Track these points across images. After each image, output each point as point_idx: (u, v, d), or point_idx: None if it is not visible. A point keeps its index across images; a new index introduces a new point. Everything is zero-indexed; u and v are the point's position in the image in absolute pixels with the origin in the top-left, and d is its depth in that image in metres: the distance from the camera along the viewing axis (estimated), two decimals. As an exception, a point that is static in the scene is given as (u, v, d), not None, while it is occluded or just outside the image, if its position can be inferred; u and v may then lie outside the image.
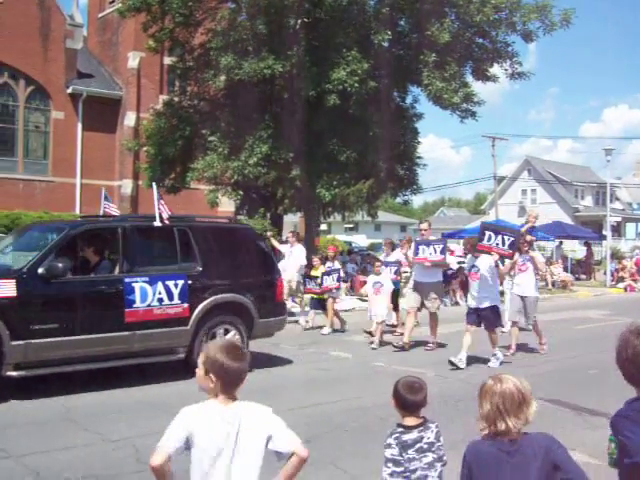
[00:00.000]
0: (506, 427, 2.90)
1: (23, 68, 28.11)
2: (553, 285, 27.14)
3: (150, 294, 9.15)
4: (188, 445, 2.98)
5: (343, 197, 20.50)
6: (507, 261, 11.27)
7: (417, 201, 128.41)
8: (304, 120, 20.54)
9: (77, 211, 26.47)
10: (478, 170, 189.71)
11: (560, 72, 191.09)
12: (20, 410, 7.80)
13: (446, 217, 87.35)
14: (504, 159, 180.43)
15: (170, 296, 9.36)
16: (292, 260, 15.82)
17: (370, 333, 13.23)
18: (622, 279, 29.55)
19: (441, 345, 12.58)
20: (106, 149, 30.16)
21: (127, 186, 29.90)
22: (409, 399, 3.69)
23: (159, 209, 9.76)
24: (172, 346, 9.62)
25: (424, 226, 13.03)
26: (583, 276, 32.70)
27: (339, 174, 20.43)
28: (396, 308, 14.82)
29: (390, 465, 3.65)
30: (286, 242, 17.01)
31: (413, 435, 3.66)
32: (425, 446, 3.66)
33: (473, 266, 10.97)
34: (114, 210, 11.78)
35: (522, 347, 12.43)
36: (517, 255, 11.76)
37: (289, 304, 16.63)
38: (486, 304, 10.76)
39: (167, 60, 28.59)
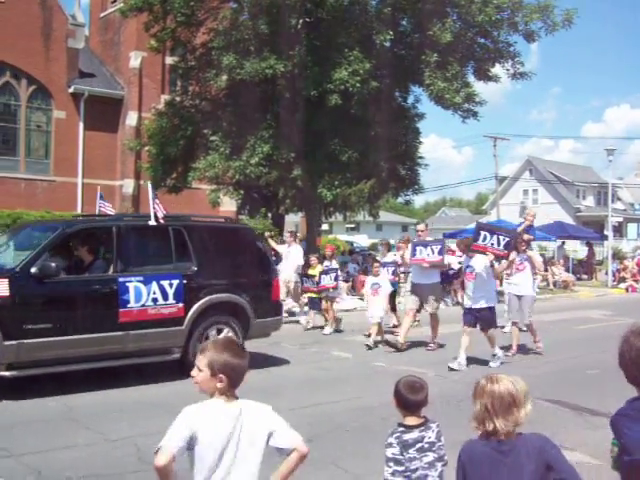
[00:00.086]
0: (494, 428, 2.92)
1: (25, 67, 28.13)
2: (555, 285, 27.12)
3: (144, 294, 9.09)
4: (191, 445, 2.98)
5: (344, 197, 20.49)
6: (504, 261, 11.29)
7: (418, 201, 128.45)
8: (306, 120, 20.53)
9: (79, 210, 26.49)
10: (480, 170, 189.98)
11: (562, 72, 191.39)
12: (21, 409, 7.81)
13: (447, 217, 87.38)
14: (506, 159, 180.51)
15: (165, 296, 9.30)
16: (289, 260, 15.82)
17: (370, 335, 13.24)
18: (623, 279, 29.53)
19: (441, 346, 12.56)
20: (108, 149, 30.17)
21: (129, 186, 29.91)
22: (410, 399, 3.69)
23: (154, 208, 9.70)
24: (167, 346, 9.55)
25: (421, 227, 13.00)
26: (585, 276, 32.68)
27: (340, 174, 20.42)
28: (394, 309, 14.82)
29: (392, 464, 3.66)
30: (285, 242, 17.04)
31: (414, 434, 3.67)
32: (426, 446, 3.66)
33: (468, 266, 10.93)
34: (109, 209, 11.73)
35: (523, 348, 12.40)
36: (515, 254, 11.77)
37: (290, 304, 16.66)
38: (482, 304, 10.71)
39: (169, 60, 28.59)
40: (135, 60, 30.41)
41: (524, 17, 20.94)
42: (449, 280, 18.02)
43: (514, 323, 12.39)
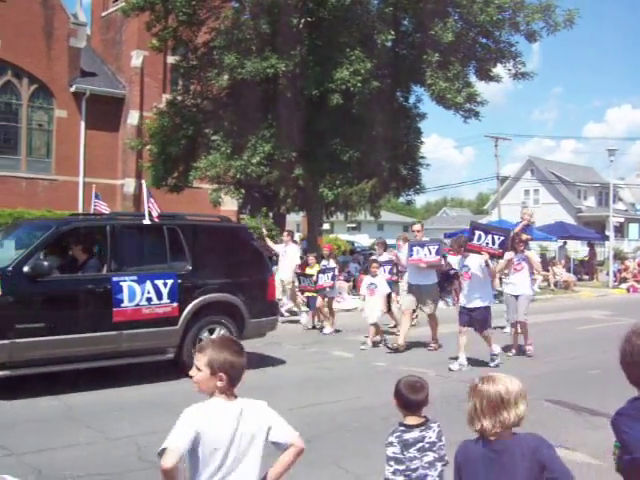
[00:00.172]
0: (481, 427, 2.94)
1: (26, 67, 28.13)
2: (556, 285, 27.11)
3: (138, 293, 9.02)
4: (194, 445, 2.98)
5: (346, 197, 20.50)
6: (501, 260, 11.27)
7: (420, 201, 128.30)
8: (307, 119, 20.54)
9: (80, 209, 26.50)
10: (481, 170, 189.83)
11: (563, 72, 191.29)
12: (21, 408, 7.82)
13: (448, 217, 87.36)
14: (507, 159, 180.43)
15: (159, 295, 9.23)
16: (286, 260, 15.81)
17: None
18: (625, 280, 29.51)
19: (441, 346, 12.53)
20: (109, 148, 30.17)
21: (130, 185, 29.91)
22: (411, 398, 3.70)
23: (149, 207, 9.63)
24: (161, 346, 9.49)
25: (417, 227, 12.92)
26: (586, 277, 32.67)
27: (342, 174, 20.43)
28: (389, 309, 14.75)
29: (392, 463, 3.67)
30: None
31: (415, 434, 3.67)
32: (426, 445, 3.67)
33: (464, 266, 10.87)
34: (104, 208, 11.67)
35: (523, 348, 12.39)
36: (512, 254, 11.77)
37: (290, 304, 16.67)
38: (477, 304, 10.66)
39: (170, 59, 28.58)
40: (137, 59, 30.41)
41: (526, 17, 20.96)
42: (450, 280, 17.99)
43: (513, 324, 12.37)
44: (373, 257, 15.23)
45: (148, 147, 23.46)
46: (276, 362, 10.99)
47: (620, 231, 53.61)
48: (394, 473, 3.66)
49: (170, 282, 9.35)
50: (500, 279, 14.66)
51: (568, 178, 58.74)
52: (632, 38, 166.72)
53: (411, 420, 3.72)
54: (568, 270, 30.06)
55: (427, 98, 22.28)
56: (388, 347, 12.14)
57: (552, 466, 2.83)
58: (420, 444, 3.67)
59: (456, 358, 10.75)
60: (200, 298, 9.69)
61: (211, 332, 9.75)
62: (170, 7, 20.38)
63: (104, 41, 33.11)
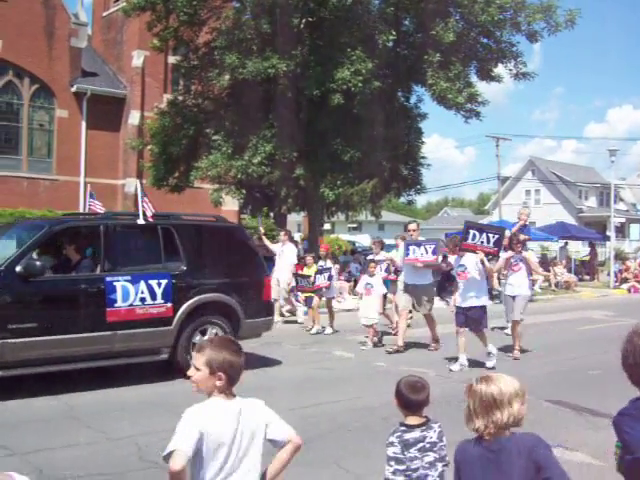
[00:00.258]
0: (475, 427, 2.96)
1: (28, 66, 28.16)
2: (557, 286, 27.08)
3: (132, 293, 8.96)
4: (198, 445, 2.98)
5: (347, 197, 20.49)
6: (500, 260, 11.12)
7: (421, 201, 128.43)
8: (308, 119, 20.55)
9: (80, 209, 26.50)
10: (482, 170, 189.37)
11: (564, 72, 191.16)
12: (23, 408, 7.82)
13: (449, 217, 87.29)
14: (508, 159, 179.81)
15: (153, 295, 9.16)
16: (283, 259, 15.81)
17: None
18: (626, 280, 29.47)
19: (440, 346, 12.51)
20: (110, 148, 30.21)
21: (131, 185, 29.91)
22: (412, 398, 3.69)
23: (143, 207, 9.56)
24: (155, 346, 9.40)
25: (412, 226, 12.72)
26: (587, 277, 32.64)
27: (343, 174, 20.43)
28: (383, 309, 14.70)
29: (392, 463, 3.67)
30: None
31: (415, 434, 3.67)
32: (427, 445, 3.66)
33: (460, 265, 10.79)
34: (99, 207, 11.62)
35: (525, 347, 12.38)
36: (510, 253, 11.74)
37: (288, 306, 16.67)
38: (472, 303, 10.61)
39: (171, 59, 28.61)
40: (138, 59, 30.44)
41: (527, 17, 20.96)
42: (451, 280, 17.97)
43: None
44: (370, 257, 15.18)
45: (149, 147, 23.48)
46: (276, 362, 10.98)
47: (621, 231, 53.59)
48: (394, 473, 3.66)
49: (164, 282, 9.28)
50: (499, 279, 14.64)
51: (569, 178, 58.75)
52: (633, 38, 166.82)
53: (412, 420, 3.72)
54: (569, 270, 30.03)
55: (428, 98, 22.29)
56: (388, 351, 12.10)
57: (547, 466, 2.83)
58: (421, 444, 3.66)
59: (456, 359, 10.74)
60: (195, 298, 9.61)
61: (203, 333, 9.66)
62: (171, 7, 20.39)
63: (105, 41, 33.14)
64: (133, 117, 30.22)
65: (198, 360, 3.15)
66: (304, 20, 21.23)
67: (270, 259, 16.23)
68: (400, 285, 12.83)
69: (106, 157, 29.94)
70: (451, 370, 10.47)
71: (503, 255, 11.97)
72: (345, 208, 22.66)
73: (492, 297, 16.79)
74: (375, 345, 12.64)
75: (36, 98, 29.02)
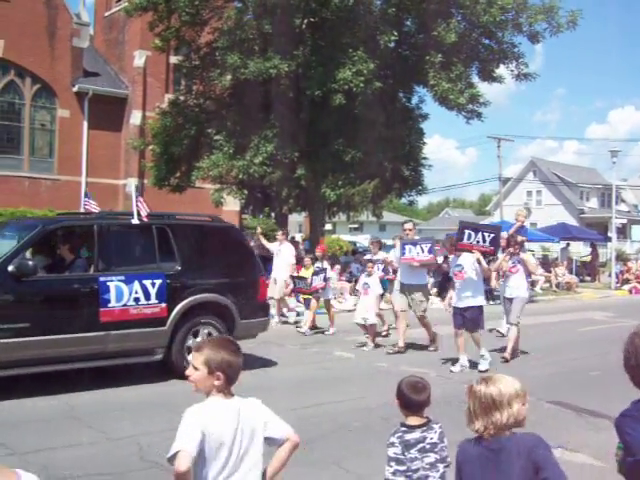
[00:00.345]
0: (475, 428, 2.97)
1: (29, 66, 28.18)
2: (558, 287, 27.07)
3: (126, 293, 8.88)
4: (201, 445, 2.98)
5: (348, 197, 20.50)
6: (499, 259, 11.02)
7: (422, 202, 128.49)
8: (309, 120, 20.56)
9: (82, 209, 26.52)
10: (483, 171, 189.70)
11: (566, 73, 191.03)
12: (23, 408, 7.82)
13: (451, 218, 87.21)
14: (509, 160, 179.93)
15: (147, 296, 9.08)
16: (280, 259, 15.81)
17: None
18: (627, 281, 29.46)
19: (438, 347, 12.49)
20: (111, 147, 30.22)
21: (132, 184, 29.91)
22: (413, 399, 3.69)
23: (137, 206, 9.49)
24: (149, 347, 9.31)
25: (408, 225, 12.64)
26: (588, 278, 32.61)
27: (344, 174, 20.43)
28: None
29: (393, 464, 3.66)
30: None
31: (416, 435, 3.67)
32: (428, 446, 3.66)
33: (457, 265, 10.72)
34: (94, 207, 11.58)
35: (525, 348, 12.38)
36: (509, 252, 11.72)
37: (292, 304, 16.68)
38: (469, 303, 10.55)
39: (173, 59, 28.64)
40: (139, 59, 30.46)
41: (528, 18, 20.97)
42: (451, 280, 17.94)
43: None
44: (367, 256, 15.16)
45: (151, 147, 23.50)
46: (277, 362, 10.97)
47: (622, 232, 53.48)
48: (395, 474, 3.66)
49: (158, 282, 9.20)
50: (497, 280, 14.59)
51: (571, 179, 58.71)
52: (635, 39, 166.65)
53: (413, 421, 3.72)
54: (570, 271, 30.01)
55: (430, 99, 22.39)
56: (388, 351, 12.09)
57: (545, 466, 2.83)
58: (421, 445, 3.66)
59: (456, 360, 10.73)
60: (189, 298, 9.52)
61: (196, 335, 9.59)
62: (173, 7, 20.41)
63: (107, 41, 33.16)
64: (135, 117, 30.23)
65: (197, 360, 3.16)
66: (306, 20, 21.24)
67: (269, 259, 16.26)
68: (396, 285, 12.78)
69: (108, 157, 29.96)
70: (452, 371, 10.46)
71: (500, 255, 11.95)
72: (346, 208, 22.67)
73: (494, 297, 16.79)
74: (376, 346, 12.63)
75: (38, 98, 29.04)
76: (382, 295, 13.78)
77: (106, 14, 33.56)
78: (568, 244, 33.49)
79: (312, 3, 20.28)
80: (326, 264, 15.19)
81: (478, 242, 10.52)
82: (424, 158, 24.08)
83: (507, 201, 53.35)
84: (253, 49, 19.92)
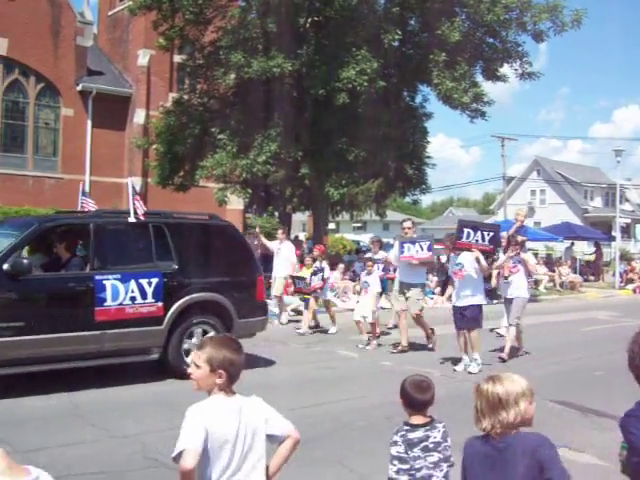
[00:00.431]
0: (482, 427, 2.98)
1: (33, 65, 28.21)
2: (561, 286, 27.04)
3: (122, 292, 8.83)
4: (205, 443, 2.99)
5: (352, 196, 20.48)
6: (501, 259, 10.96)
7: (426, 201, 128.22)
8: (313, 119, 20.54)
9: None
10: (487, 170, 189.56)
11: (570, 72, 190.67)
12: (28, 406, 7.82)
13: (454, 217, 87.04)
14: (513, 159, 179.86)
15: (143, 294, 9.02)
16: (280, 257, 15.80)
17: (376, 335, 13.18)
18: (631, 281, 29.43)
19: (434, 344, 12.51)
20: (115, 146, 30.23)
21: (136, 183, 29.85)
22: (417, 398, 3.68)
23: (134, 205, 9.43)
24: (146, 346, 9.26)
25: (407, 224, 12.58)
26: (592, 277, 32.58)
27: (348, 173, 20.42)
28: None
29: (396, 463, 3.65)
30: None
31: (419, 434, 3.66)
32: (431, 445, 3.65)
33: (457, 263, 10.65)
34: (92, 205, 11.57)
35: (529, 348, 12.36)
36: (511, 253, 11.70)
37: (295, 303, 16.66)
38: (468, 302, 10.51)
39: (177, 58, 28.63)
40: (143, 58, 30.47)
41: (533, 17, 20.91)
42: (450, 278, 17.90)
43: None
44: (368, 255, 15.15)
45: (154, 146, 23.51)
46: (281, 361, 10.97)
47: (626, 232, 53.40)
48: (398, 472, 3.65)
49: (155, 281, 9.14)
50: (497, 280, 14.55)
51: (575, 178, 58.63)
52: (639, 38, 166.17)
53: (416, 419, 3.71)
54: (574, 271, 29.97)
55: (433, 98, 22.30)
56: (392, 351, 12.09)
57: (550, 466, 2.82)
58: (424, 444, 3.65)
59: (459, 359, 10.71)
60: (186, 297, 9.46)
61: (191, 336, 9.54)
62: (177, 6, 20.41)
63: (111, 40, 33.18)
64: (138, 116, 30.25)
65: (199, 358, 3.16)
66: (309, 19, 21.23)
67: (271, 257, 16.26)
68: (396, 285, 12.76)
69: (111, 156, 29.97)
70: (455, 370, 10.44)
71: (501, 255, 11.92)
72: (350, 207, 22.66)
73: (497, 296, 16.75)
74: (379, 344, 12.62)
75: (42, 97, 29.07)
76: (381, 294, 13.78)
77: (110, 13, 33.58)
78: (572, 243, 33.44)
79: (316, 2, 20.29)
80: (324, 264, 15.19)
81: (477, 241, 10.47)
82: (428, 157, 24.05)
83: (511, 200, 53.26)
84: (257, 48, 19.91)
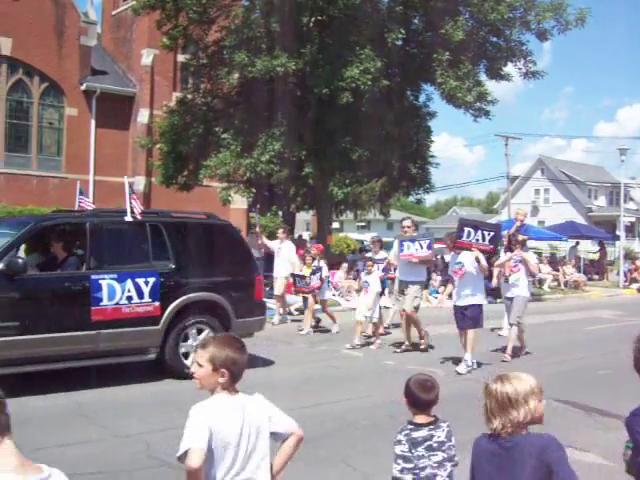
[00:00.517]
0: (493, 427, 2.98)
1: (37, 65, 28.25)
2: (566, 285, 26.99)
3: (118, 292, 8.78)
4: (209, 442, 2.99)
5: (355, 195, 20.47)
6: (502, 258, 10.94)
7: (429, 200, 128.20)
8: (317, 118, 20.53)
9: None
10: (491, 169, 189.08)
11: (574, 71, 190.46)
12: (32, 405, 7.83)
13: (458, 216, 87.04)
14: (517, 158, 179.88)
15: (140, 294, 8.96)
16: (281, 257, 15.80)
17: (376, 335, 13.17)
18: (635, 280, 29.36)
19: (431, 346, 12.47)
20: (119, 146, 30.26)
21: (140, 183, 29.99)
22: (421, 397, 3.68)
23: (131, 204, 9.39)
24: (142, 346, 9.20)
25: (407, 223, 12.51)
26: (596, 276, 32.51)
27: (351, 172, 20.41)
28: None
29: (400, 462, 3.66)
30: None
31: (423, 433, 3.66)
32: (435, 445, 3.65)
33: (457, 262, 10.63)
34: (89, 204, 11.55)
35: (533, 347, 12.34)
36: (510, 254, 11.68)
37: (298, 303, 16.66)
38: (469, 301, 10.50)
39: (181, 57, 28.64)
40: (147, 58, 30.51)
41: (537, 16, 20.88)
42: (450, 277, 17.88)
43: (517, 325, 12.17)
44: (369, 254, 15.14)
45: (158, 145, 23.51)
46: (285, 361, 10.98)
47: (631, 231, 53.35)
48: (402, 471, 3.65)
49: (152, 280, 9.09)
50: (498, 279, 14.53)
51: (579, 177, 58.55)
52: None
53: (420, 419, 3.71)
54: (578, 270, 29.92)
55: (437, 97, 22.41)
56: (396, 351, 12.07)
57: (556, 467, 2.82)
58: (428, 443, 3.65)
59: (460, 359, 10.67)
60: (183, 297, 9.40)
61: (186, 338, 9.50)
62: (181, 5, 20.40)
63: (115, 39, 33.21)
64: (142, 115, 30.28)
65: (201, 357, 3.16)
66: (313, 19, 21.21)
67: (272, 257, 16.26)
68: (396, 284, 12.74)
69: (115, 155, 30.00)
70: (457, 372, 10.39)
71: (502, 255, 11.90)
72: (354, 207, 22.63)
73: (500, 295, 16.73)
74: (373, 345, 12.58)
75: (46, 96, 29.10)
76: (381, 294, 13.78)
77: (113, 12, 33.61)
78: (577, 242, 33.38)
79: (319, 1, 20.24)
80: (322, 263, 15.21)
81: (477, 240, 10.44)
82: (432, 156, 24.05)
83: (515, 199, 53.22)
84: (260, 47, 19.91)
